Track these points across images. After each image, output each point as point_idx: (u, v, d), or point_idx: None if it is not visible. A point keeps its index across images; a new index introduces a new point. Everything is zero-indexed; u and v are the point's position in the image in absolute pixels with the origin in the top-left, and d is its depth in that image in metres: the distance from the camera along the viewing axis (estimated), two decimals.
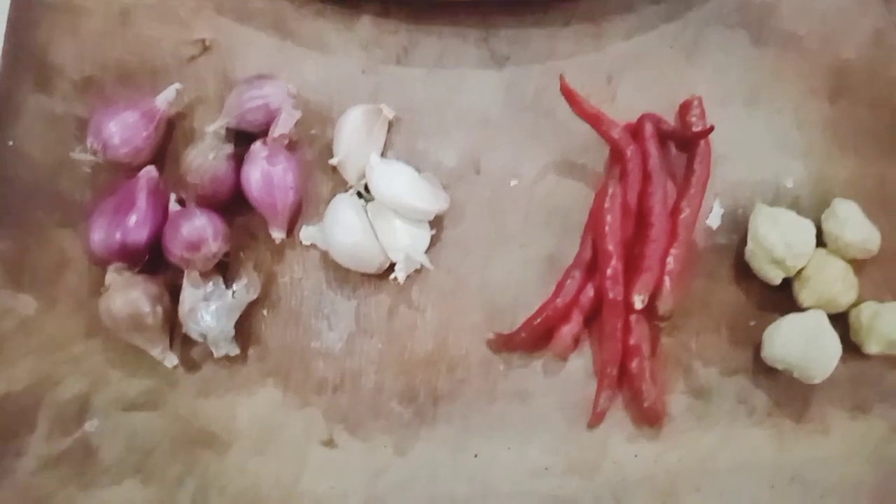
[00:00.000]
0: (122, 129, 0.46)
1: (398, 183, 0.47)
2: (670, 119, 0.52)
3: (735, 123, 0.52)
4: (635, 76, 0.54)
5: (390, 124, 0.51)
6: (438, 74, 0.53)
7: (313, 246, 0.49)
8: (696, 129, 0.50)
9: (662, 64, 0.54)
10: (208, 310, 0.45)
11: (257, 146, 0.47)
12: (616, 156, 0.49)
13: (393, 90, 0.53)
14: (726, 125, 0.52)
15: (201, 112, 0.51)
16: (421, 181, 0.48)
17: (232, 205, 0.49)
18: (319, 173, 0.51)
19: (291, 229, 0.49)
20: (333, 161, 0.48)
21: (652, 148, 0.48)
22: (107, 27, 0.53)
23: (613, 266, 0.45)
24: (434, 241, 0.49)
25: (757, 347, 0.47)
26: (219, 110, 0.51)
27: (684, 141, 0.50)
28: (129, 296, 0.43)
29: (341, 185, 0.50)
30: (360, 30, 0.54)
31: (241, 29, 0.53)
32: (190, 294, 0.44)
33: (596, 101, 0.50)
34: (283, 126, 0.46)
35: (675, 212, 0.48)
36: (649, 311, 0.46)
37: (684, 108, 0.51)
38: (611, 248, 0.46)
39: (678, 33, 0.55)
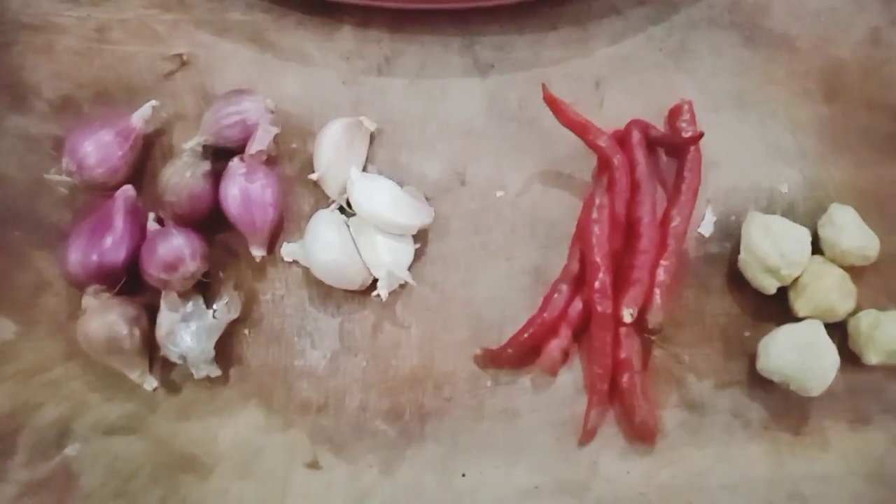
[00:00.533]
0: (98, 149, 0.45)
1: (379, 197, 0.46)
2: (660, 124, 0.51)
3: (726, 128, 0.51)
4: (623, 81, 0.52)
5: (372, 137, 0.50)
6: (421, 84, 0.52)
7: (295, 263, 0.48)
8: (686, 134, 0.48)
9: (651, 68, 0.53)
10: (188, 331, 0.44)
11: (235, 163, 0.46)
12: (603, 165, 0.47)
13: (374, 102, 0.52)
14: (717, 130, 0.50)
15: (180, 129, 0.50)
16: (403, 195, 0.47)
17: (211, 223, 0.48)
18: (300, 188, 0.50)
19: (272, 246, 0.48)
20: (314, 176, 0.47)
21: (640, 156, 0.47)
22: (82, 45, 0.52)
23: (601, 279, 0.44)
24: (418, 255, 0.48)
25: (752, 359, 0.46)
26: (198, 126, 0.49)
27: (674, 147, 0.49)
28: (105, 319, 0.42)
29: (323, 200, 0.49)
30: (340, 40, 0.53)
31: (219, 43, 0.52)
32: (167, 316, 0.43)
33: (583, 108, 0.49)
34: (260, 142, 0.45)
35: (665, 221, 0.47)
36: (639, 324, 0.44)
37: (674, 114, 0.50)
38: (598, 259, 0.44)
39: (666, 36, 0.53)
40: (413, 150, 0.51)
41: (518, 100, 0.52)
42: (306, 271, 0.48)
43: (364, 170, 0.49)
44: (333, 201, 0.48)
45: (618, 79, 0.52)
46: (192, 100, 0.51)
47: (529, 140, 0.51)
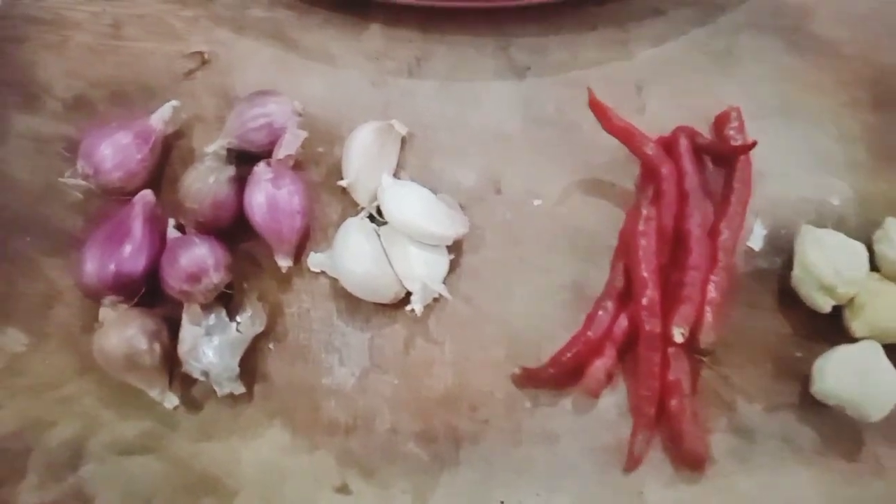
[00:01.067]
0: (115, 152, 0.43)
1: (413, 206, 0.44)
2: (704, 131, 0.48)
3: (772, 136, 0.48)
4: (665, 85, 0.50)
5: (403, 141, 0.48)
6: (453, 87, 0.50)
7: (322, 274, 0.45)
8: (736, 143, 0.46)
9: (694, 72, 0.50)
10: (210, 345, 0.41)
11: (261, 168, 0.43)
12: (649, 174, 0.45)
13: (405, 105, 0.49)
14: (763, 138, 0.48)
15: (200, 131, 0.48)
16: (437, 203, 0.45)
17: (234, 230, 0.45)
18: (327, 195, 0.47)
19: (299, 256, 0.45)
20: (343, 183, 0.44)
21: (688, 165, 0.45)
22: (97, 41, 0.49)
23: (650, 295, 0.42)
24: (452, 267, 0.45)
25: (803, 381, 0.44)
26: (218, 129, 0.47)
27: (723, 156, 0.46)
28: (124, 333, 0.40)
29: (351, 208, 0.47)
30: (368, 40, 0.51)
31: (239, 41, 0.50)
32: (190, 331, 0.40)
33: (624, 113, 0.46)
34: (288, 147, 0.42)
35: (713, 234, 0.45)
36: (689, 344, 0.42)
37: (721, 121, 0.47)
38: (646, 275, 0.42)
39: (710, 39, 0.51)
40: (446, 156, 0.48)
41: (555, 104, 0.49)
42: (334, 283, 0.45)
43: (395, 176, 0.47)
44: (363, 209, 0.46)
45: (659, 83, 0.50)
46: (212, 101, 0.48)
47: (567, 146, 0.49)
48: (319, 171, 0.47)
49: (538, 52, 0.50)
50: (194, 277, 0.41)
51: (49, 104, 0.48)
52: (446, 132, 0.49)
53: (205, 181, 0.42)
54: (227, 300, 0.44)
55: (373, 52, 0.50)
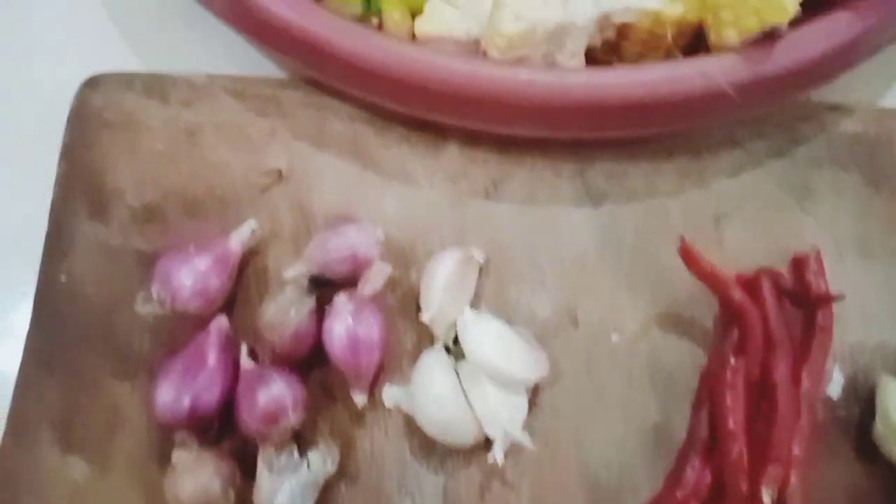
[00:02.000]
0: (194, 279, 0.41)
1: (494, 346, 0.42)
2: (781, 265, 0.48)
3: (850, 277, 0.48)
4: (744, 218, 0.49)
5: (480, 268, 0.47)
6: (530, 211, 0.49)
7: (396, 408, 0.44)
8: (816, 288, 0.46)
9: (771, 205, 0.50)
10: (282, 489, 0.40)
11: (342, 300, 0.42)
12: (732, 317, 0.44)
13: (482, 228, 0.48)
14: (841, 279, 0.47)
15: (275, 248, 0.47)
16: (517, 340, 0.44)
17: (308, 359, 0.44)
18: (402, 320, 0.46)
19: (373, 388, 0.44)
20: (425, 319, 0.43)
21: (773, 311, 0.44)
22: (171, 148, 0.48)
23: (738, 451, 0.41)
24: (528, 405, 0.44)
25: None
26: (294, 247, 0.46)
27: (805, 303, 0.46)
28: (199, 478, 0.38)
29: (425, 334, 0.45)
30: (446, 159, 0.50)
31: (318, 155, 0.49)
32: (267, 478, 0.39)
33: (702, 244, 0.46)
34: (373, 283, 0.41)
35: (794, 381, 0.44)
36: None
37: (800, 263, 0.47)
38: (734, 429, 0.41)
39: (786, 172, 0.51)
40: (522, 284, 0.47)
41: (633, 232, 0.49)
42: (408, 419, 0.44)
43: (472, 306, 0.46)
44: (439, 338, 0.45)
45: (737, 215, 0.49)
46: (288, 217, 0.47)
47: (646, 277, 0.48)
48: (394, 296, 0.46)
49: (615, 178, 0.50)
50: (272, 418, 0.40)
51: (119, 213, 0.47)
52: (523, 258, 0.48)
53: (286, 314, 0.41)
54: (297, 435, 0.43)
55: (450, 172, 0.49)
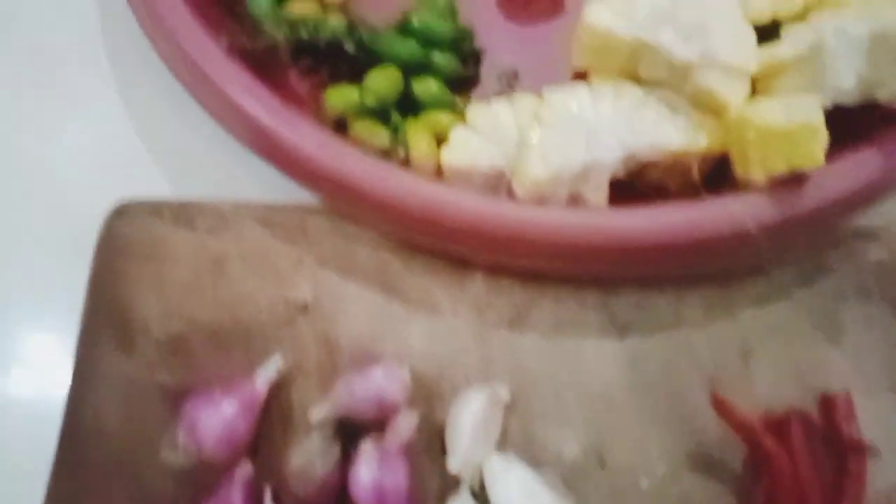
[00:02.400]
0: (221, 426, 0.41)
1: (521, 495, 0.42)
2: (809, 402, 0.47)
3: (882, 415, 0.47)
4: (769, 350, 0.49)
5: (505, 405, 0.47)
6: (554, 342, 0.49)
7: None
8: (848, 435, 0.45)
9: (799, 338, 0.49)
10: None
11: (368, 448, 0.41)
12: (764, 464, 0.44)
13: (507, 361, 0.48)
14: (872, 417, 0.46)
15: (300, 382, 0.46)
16: (544, 489, 0.43)
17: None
18: (427, 459, 0.46)
19: None
20: (452, 467, 0.42)
21: (804, 457, 0.43)
22: (196, 279, 0.48)
23: None
24: None
25: None
26: (318, 380, 0.46)
27: (835, 448, 0.45)
28: None
29: (451, 476, 0.44)
30: (472, 290, 0.50)
31: (344, 285, 0.49)
32: None
33: (728, 378, 0.46)
34: (401, 433, 0.41)
35: None
36: None
37: (828, 405, 0.46)
38: None
39: (814, 302, 0.50)
40: (548, 421, 0.47)
41: (659, 365, 0.48)
42: None
43: (498, 445, 0.45)
44: (464, 480, 0.44)
45: (763, 347, 0.49)
46: (313, 349, 0.47)
47: (674, 414, 0.47)
48: (419, 433, 0.46)
49: (640, 308, 0.50)
50: None
51: (143, 345, 0.46)
52: (548, 392, 0.47)
53: (313, 465, 0.40)
54: None
55: (476, 303, 0.49)
